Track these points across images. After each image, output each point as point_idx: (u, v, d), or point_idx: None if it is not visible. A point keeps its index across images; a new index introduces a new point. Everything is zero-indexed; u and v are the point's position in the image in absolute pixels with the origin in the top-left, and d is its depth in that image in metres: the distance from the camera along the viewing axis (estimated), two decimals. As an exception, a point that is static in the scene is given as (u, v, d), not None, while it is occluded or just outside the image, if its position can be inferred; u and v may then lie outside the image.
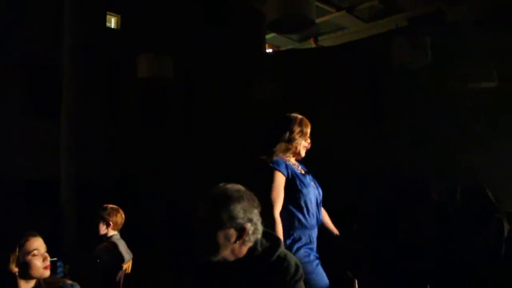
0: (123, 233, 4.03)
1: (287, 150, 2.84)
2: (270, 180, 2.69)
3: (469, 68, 8.95)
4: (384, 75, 10.07)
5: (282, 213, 2.67)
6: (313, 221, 2.79)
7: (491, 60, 9.07)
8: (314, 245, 2.80)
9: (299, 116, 2.94)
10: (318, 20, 13.17)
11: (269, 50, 14.96)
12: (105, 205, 3.96)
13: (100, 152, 9.09)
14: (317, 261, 2.72)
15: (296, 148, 2.87)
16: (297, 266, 1.86)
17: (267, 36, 13.81)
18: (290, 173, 2.75)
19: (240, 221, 1.81)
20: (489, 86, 8.97)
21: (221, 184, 1.89)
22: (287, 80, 9.41)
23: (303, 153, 2.93)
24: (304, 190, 2.76)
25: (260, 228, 1.89)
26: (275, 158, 2.77)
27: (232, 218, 1.79)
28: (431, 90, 9.92)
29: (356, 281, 2.65)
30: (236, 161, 8.49)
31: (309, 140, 2.94)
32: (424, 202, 5.20)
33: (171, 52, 7.94)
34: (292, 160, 2.89)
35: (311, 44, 13.54)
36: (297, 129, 2.86)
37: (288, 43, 16.40)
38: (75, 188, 7.31)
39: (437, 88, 9.87)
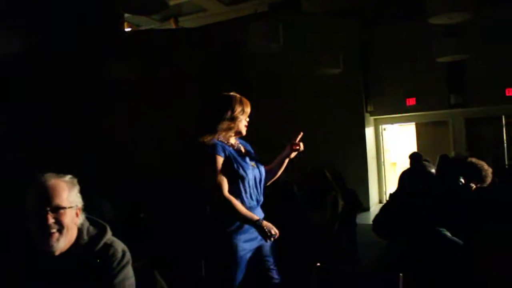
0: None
1: (229, 129, 2.84)
2: (212, 164, 2.71)
3: (318, 55, 9.62)
4: (242, 59, 10.33)
5: None
6: (252, 202, 2.81)
7: (338, 48, 9.85)
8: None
9: (238, 95, 2.94)
10: (180, 1, 13.04)
11: (127, 29, 14.45)
12: None
13: None
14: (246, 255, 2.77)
15: (238, 126, 2.87)
16: (123, 252, 1.89)
17: (128, 15, 13.32)
18: (227, 155, 2.75)
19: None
20: (335, 72, 9.75)
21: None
22: (143, 61, 9.22)
23: (244, 131, 2.94)
24: (241, 172, 2.77)
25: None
26: (212, 141, 2.76)
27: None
28: (285, 74, 10.42)
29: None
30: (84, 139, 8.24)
31: (248, 119, 2.96)
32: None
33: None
34: (232, 140, 2.90)
35: (171, 24, 13.37)
36: (238, 108, 2.86)
37: (149, 22, 16.01)
38: None
39: (290, 72, 10.40)
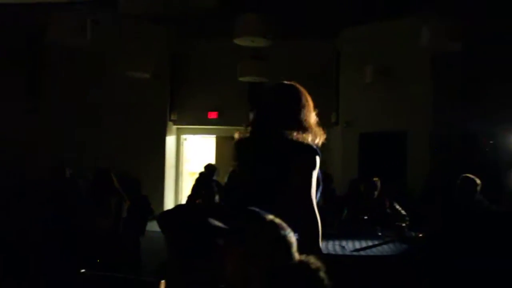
0: None
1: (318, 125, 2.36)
2: (313, 167, 2.18)
3: (128, 58, 9.43)
4: (42, 49, 9.62)
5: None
6: None
7: (148, 53, 9.81)
8: None
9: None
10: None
11: None
12: None
13: None
14: None
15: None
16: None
17: None
18: None
19: None
20: (144, 77, 9.67)
21: None
22: None
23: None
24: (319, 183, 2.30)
25: None
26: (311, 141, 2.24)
27: None
28: (91, 71, 10.00)
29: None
30: None
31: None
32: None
33: None
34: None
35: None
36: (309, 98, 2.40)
37: None
38: None
39: (97, 71, 10.02)
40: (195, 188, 4.86)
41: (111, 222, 4.17)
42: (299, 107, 2.31)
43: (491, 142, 9.31)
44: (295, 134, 2.19)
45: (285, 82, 2.45)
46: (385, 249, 4.27)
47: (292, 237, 1.58)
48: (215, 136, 12.29)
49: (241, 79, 9.62)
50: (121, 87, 10.12)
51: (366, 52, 9.68)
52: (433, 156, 8.98)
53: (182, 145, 12.19)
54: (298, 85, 2.42)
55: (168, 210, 4.94)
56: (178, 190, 11.97)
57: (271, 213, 1.62)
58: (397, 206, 5.48)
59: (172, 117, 11.38)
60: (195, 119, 11.52)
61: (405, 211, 5.39)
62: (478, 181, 4.86)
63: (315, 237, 2.12)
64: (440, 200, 5.87)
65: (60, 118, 9.79)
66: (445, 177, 7.89)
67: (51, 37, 7.73)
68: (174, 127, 11.71)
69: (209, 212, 3.29)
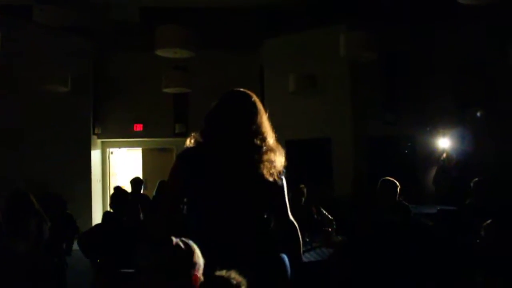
0: None
1: None
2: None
3: (45, 71, 9.05)
4: None
5: None
6: None
7: (66, 66, 9.48)
8: None
9: None
10: None
11: None
12: None
13: None
14: None
15: None
16: None
17: None
18: None
19: None
20: (63, 90, 9.33)
21: None
22: None
23: None
24: None
25: None
26: None
27: None
28: (4, 86, 9.49)
29: None
30: None
31: None
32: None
33: None
34: None
35: None
36: None
37: None
38: None
39: (9, 85, 9.51)
40: (114, 205, 4.73)
41: (30, 245, 3.98)
42: (261, 118, 2.25)
43: (409, 144, 9.84)
44: (265, 156, 2.17)
45: (240, 90, 2.33)
46: (312, 255, 4.37)
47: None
48: (141, 148, 12.09)
49: (165, 90, 9.53)
50: (39, 102, 9.69)
51: (289, 61, 9.91)
52: (356, 161, 9.35)
53: (109, 158, 11.86)
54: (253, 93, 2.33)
55: (87, 232, 4.78)
56: (105, 205, 11.62)
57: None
58: (324, 212, 5.61)
59: (96, 131, 11.05)
60: (120, 132, 11.26)
61: (332, 216, 5.52)
62: (397, 184, 5.02)
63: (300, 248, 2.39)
64: (363, 204, 6.08)
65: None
66: (368, 181, 8.26)
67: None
68: (99, 140, 11.38)
69: (135, 232, 3.22)
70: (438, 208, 6.65)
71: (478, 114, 8.87)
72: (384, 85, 9.62)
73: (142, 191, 7.82)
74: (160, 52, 7.19)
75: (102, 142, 11.54)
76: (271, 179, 2.15)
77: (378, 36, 7.48)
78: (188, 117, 11.19)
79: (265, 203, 2.24)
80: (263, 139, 2.18)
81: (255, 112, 2.23)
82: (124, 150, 12.57)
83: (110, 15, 10.56)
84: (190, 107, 11.10)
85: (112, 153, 11.94)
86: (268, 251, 2.25)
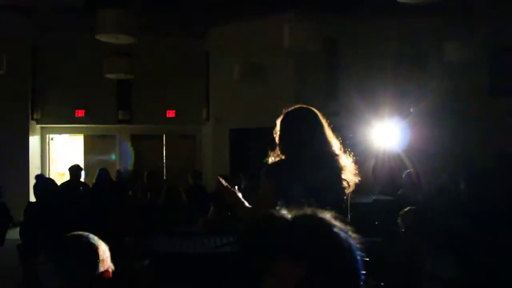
0: None
1: None
2: None
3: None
4: None
5: None
6: None
7: (2, 46, 9.05)
8: None
9: None
10: None
11: None
12: None
13: None
14: None
15: None
16: None
17: None
18: None
19: None
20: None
21: None
22: None
23: None
24: None
25: None
26: None
27: None
28: None
29: None
30: None
31: None
32: None
33: None
34: None
35: None
36: None
37: None
38: None
39: None
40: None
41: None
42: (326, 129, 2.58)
43: (350, 136, 10.04)
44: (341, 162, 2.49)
45: (303, 106, 2.65)
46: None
47: None
48: (83, 135, 11.79)
49: (108, 75, 9.30)
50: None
51: (234, 50, 9.89)
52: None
53: (48, 144, 11.49)
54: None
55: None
56: (44, 193, 11.27)
57: None
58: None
59: (35, 116, 10.66)
60: (61, 117, 10.92)
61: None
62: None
63: None
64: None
65: None
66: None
67: None
68: (38, 126, 10.98)
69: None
70: (374, 198, 6.83)
71: (411, 110, 9.11)
72: (328, 75, 9.77)
73: (82, 179, 7.67)
74: (101, 37, 6.99)
75: (41, 127, 11.15)
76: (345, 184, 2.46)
77: (324, 26, 7.55)
78: (132, 103, 11.01)
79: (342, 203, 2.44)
80: (332, 146, 2.49)
81: (322, 124, 2.53)
82: (65, 136, 12.21)
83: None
84: (133, 93, 10.91)
85: (52, 139, 11.58)
86: None
